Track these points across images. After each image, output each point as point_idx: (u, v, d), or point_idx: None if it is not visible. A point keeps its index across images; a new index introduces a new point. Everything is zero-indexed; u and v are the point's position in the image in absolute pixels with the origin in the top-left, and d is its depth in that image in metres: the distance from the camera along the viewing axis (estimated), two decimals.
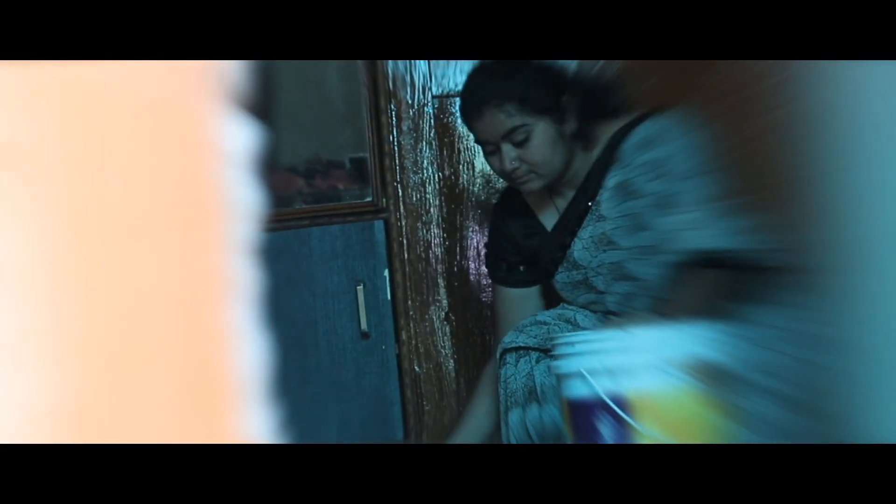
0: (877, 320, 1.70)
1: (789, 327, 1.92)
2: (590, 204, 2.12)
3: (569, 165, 2.11)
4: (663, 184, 1.98)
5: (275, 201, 2.81)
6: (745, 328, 1.91)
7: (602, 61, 2.22)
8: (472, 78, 2.17)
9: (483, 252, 2.47)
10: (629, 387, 1.63)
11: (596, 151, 2.13)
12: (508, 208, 2.33)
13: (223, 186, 0.40)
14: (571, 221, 2.15)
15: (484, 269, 2.93)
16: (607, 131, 2.13)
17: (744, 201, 1.97)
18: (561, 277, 2.19)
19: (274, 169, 2.84)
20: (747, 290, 1.97)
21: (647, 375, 1.63)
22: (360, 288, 2.64)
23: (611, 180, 2.08)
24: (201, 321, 0.40)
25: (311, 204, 2.78)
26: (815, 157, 1.79)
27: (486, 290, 2.92)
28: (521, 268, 2.30)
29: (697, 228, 1.93)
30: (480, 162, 2.95)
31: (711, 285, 1.92)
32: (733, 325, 1.86)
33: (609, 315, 2.12)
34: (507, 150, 2.06)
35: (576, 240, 2.14)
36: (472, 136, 2.95)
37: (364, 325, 2.65)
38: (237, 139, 0.41)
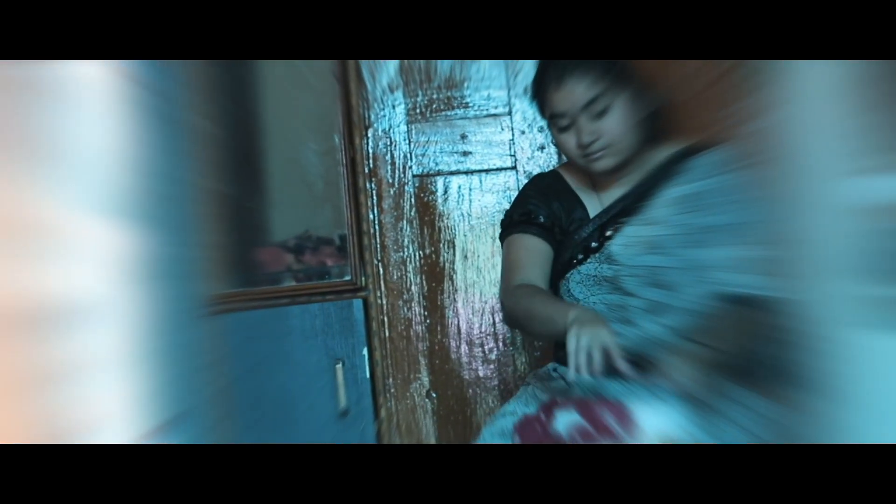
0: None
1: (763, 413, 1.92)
2: (642, 204, 2.07)
3: (636, 152, 2.06)
4: (736, 213, 1.94)
5: (264, 277, 2.84)
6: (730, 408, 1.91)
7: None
8: (542, 77, 2.10)
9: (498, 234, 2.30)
10: None
11: (660, 157, 2.09)
12: (548, 189, 2.22)
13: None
14: (615, 217, 2.10)
15: (465, 347, 2.96)
16: (674, 146, 2.10)
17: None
18: (586, 269, 2.10)
19: (264, 245, 2.87)
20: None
21: None
22: (339, 366, 2.65)
23: (678, 190, 2.03)
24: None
25: (301, 280, 2.81)
26: None
27: (468, 367, 2.94)
28: (542, 218, 2.18)
29: (742, 270, 1.90)
30: (461, 240, 2.99)
31: (744, 324, 1.88)
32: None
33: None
34: (585, 121, 2.02)
35: (618, 236, 2.08)
36: (450, 215, 3.00)
37: (343, 403, 2.66)
38: None
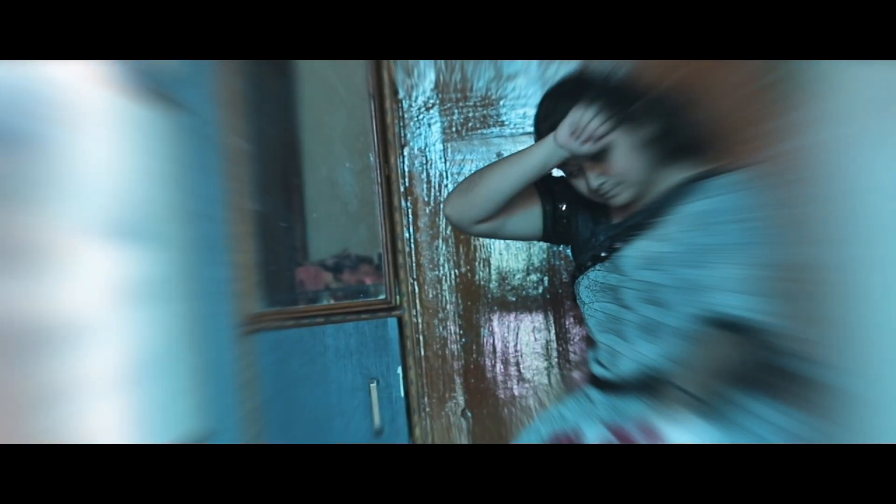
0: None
1: (781, 426, 1.91)
2: (654, 220, 2.06)
3: (651, 174, 2.07)
4: (739, 229, 1.94)
5: (303, 296, 2.86)
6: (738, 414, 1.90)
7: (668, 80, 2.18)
8: (542, 108, 2.12)
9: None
10: None
11: (676, 176, 2.08)
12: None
13: None
14: (627, 231, 2.09)
15: (501, 366, 2.95)
16: (685, 168, 2.08)
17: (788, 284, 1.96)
18: (594, 275, 2.11)
19: (302, 264, 2.88)
20: (756, 372, 1.95)
21: None
22: (373, 385, 2.65)
23: (692, 207, 2.02)
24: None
25: (340, 299, 2.83)
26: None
27: (503, 386, 2.93)
28: (563, 206, 2.22)
29: (737, 291, 1.90)
30: (496, 259, 2.98)
31: (728, 351, 1.89)
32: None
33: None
34: (590, 166, 2.03)
35: (628, 248, 2.07)
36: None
37: (377, 422, 2.65)
38: None
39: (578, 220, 2.22)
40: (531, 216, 2.22)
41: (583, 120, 1.98)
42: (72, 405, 1.40)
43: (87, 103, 1.37)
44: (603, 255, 2.11)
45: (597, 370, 2.13)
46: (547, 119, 2.06)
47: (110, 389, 1.55)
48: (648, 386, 1.95)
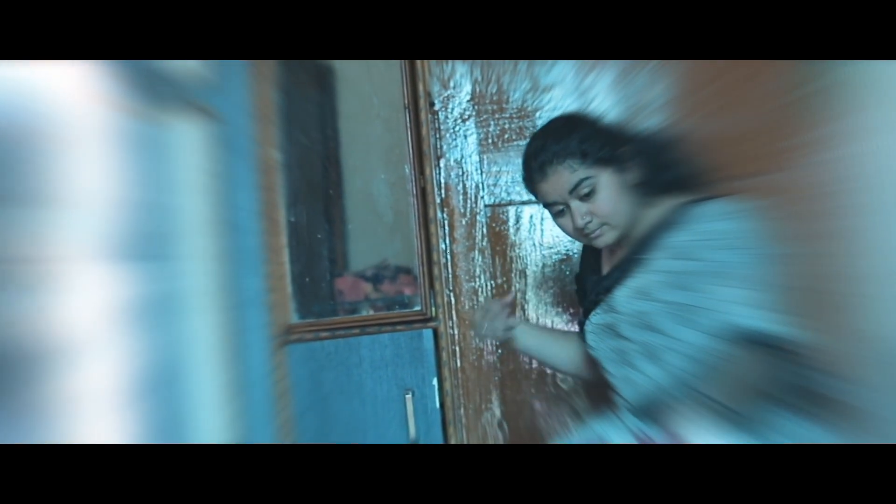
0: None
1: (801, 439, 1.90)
2: (641, 257, 2.10)
3: (636, 216, 2.13)
4: (726, 255, 1.94)
5: (343, 307, 2.86)
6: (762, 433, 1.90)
7: (659, 120, 2.21)
8: (531, 145, 2.18)
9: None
10: None
11: (660, 211, 2.12)
12: (589, 248, 2.38)
13: None
14: (624, 271, 2.15)
15: (536, 376, 2.94)
16: (677, 199, 2.11)
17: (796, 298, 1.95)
18: (596, 318, 2.19)
19: (341, 275, 2.89)
20: (779, 387, 1.94)
21: None
22: (408, 396, 2.65)
23: (670, 239, 2.04)
24: None
25: (379, 310, 2.83)
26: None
27: (538, 396, 2.92)
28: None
29: (749, 306, 1.90)
30: (532, 270, 2.97)
31: (752, 366, 1.89)
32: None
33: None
34: (576, 206, 2.09)
35: (622, 287, 2.13)
36: (522, 245, 2.99)
37: (413, 433, 2.65)
38: None
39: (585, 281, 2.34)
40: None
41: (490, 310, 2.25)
42: (79, 419, 1.41)
43: (84, 120, 1.38)
44: (602, 297, 2.19)
45: (620, 403, 2.16)
46: (536, 157, 2.13)
47: (118, 404, 1.56)
48: (669, 407, 1.95)
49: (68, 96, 1.40)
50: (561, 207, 2.12)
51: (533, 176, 2.14)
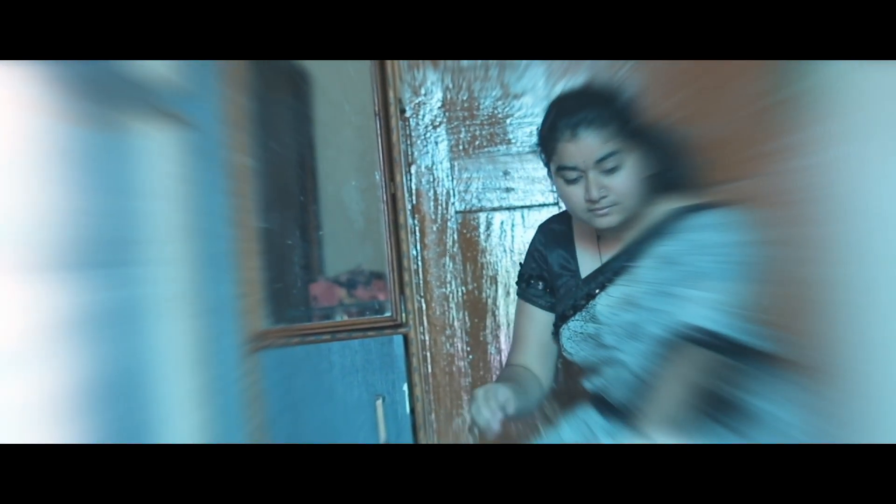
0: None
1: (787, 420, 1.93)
2: (629, 265, 2.06)
3: (643, 205, 2.06)
4: (708, 263, 1.92)
5: (317, 312, 2.87)
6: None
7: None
8: (568, 100, 2.07)
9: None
10: None
11: (652, 216, 2.09)
12: (554, 237, 2.26)
13: None
14: (606, 276, 2.10)
15: None
16: (670, 203, 2.09)
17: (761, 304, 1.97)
18: (574, 325, 2.12)
19: (315, 281, 2.89)
20: (733, 379, 1.96)
21: None
22: (379, 402, 2.66)
23: (661, 248, 2.01)
24: None
25: (353, 315, 2.84)
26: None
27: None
28: (541, 285, 2.24)
29: (703, 307, 1.89)
30: (503, 276, 2.99)
31: (696, 364, 1.89)
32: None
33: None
34: (595, 176, 1.99)
35: (602, 294, 2.08)
36: (493, 251, 3.00)
37: (383, 438, 2.66)
38: None
39: (555, 280, 2.23)
40: (544, 329, 2.27)
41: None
42: (39, 423, 1.41)
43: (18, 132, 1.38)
44: (581, 303, 2.13)
45: (590, 388, 2.15)
46: (573, 115, 2.01)
47: (83, 408, 1.56)
48: (638, 404, 1.94)
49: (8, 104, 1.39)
50: (576, 175, 2.01)
51: (560, 134, 2.01)
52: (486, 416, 1.92)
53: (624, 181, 2.00)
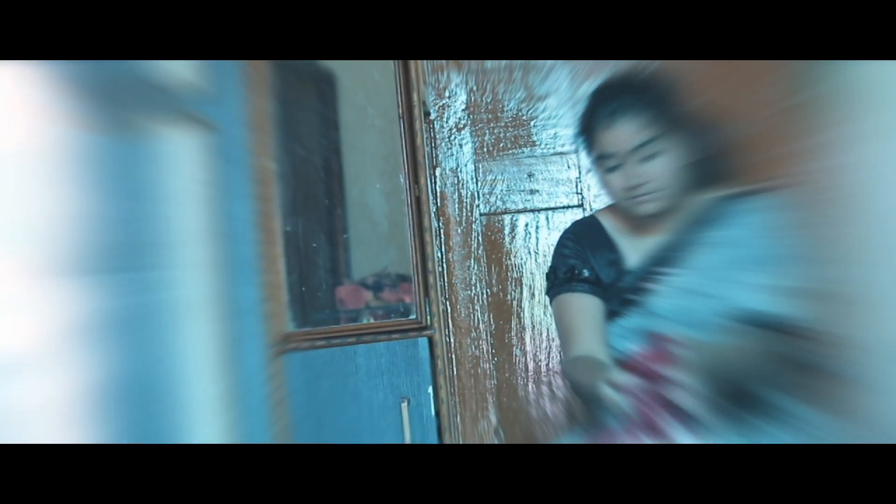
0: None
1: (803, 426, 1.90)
2: (679, 254, 2.05)
3: (683, 196, 2.06)
4: (766, 246, 1.92)
5: (344, 315, 2.87)
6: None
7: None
8: (605, 90, 2.09)
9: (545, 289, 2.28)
10: None
11: (697, 206, 2.08)
12: (588, 235, 2.21)
13: None
14: (657, 266, 2.08)
15: (533, 385, 2.95)
16: (713, 192, 2.08)
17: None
18: (629, 323, 2.09)
19: (341, 284, 2.90)
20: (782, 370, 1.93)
21: None
22: (404, 404, 2.66)
23: (715, 233, 2.02)
24: None
25: (380, 318, 2.84)
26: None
27: (536, 405, 2.93)
28: (586, 273, 2.15)
29: (765, 292, 1.87)
30: (528, 278, 2.98)
31: (747, 348, 1.87)
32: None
33: None
34: (633, 164, 2.00)
35: (657, 287, 2.06)
36: (518, 253, 3.00)
37: (409, 441, 2.66)
38: None
39: (597, 269, 2.17)
40: (599, 317, 2.14)
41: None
42: (59, 424, 1.42)
43: (30, 140, 1.39)
44: (633, 297, 2.09)
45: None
46: (610, 103, 2.03)
47: (107, 412, 1.57)
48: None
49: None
50: (614, 164, 2.03)
51: (597, 123, 2.04)
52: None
53: (663, 168, 2.00)
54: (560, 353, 2.42)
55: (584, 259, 2.17)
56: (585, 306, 2.13)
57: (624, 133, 2.00)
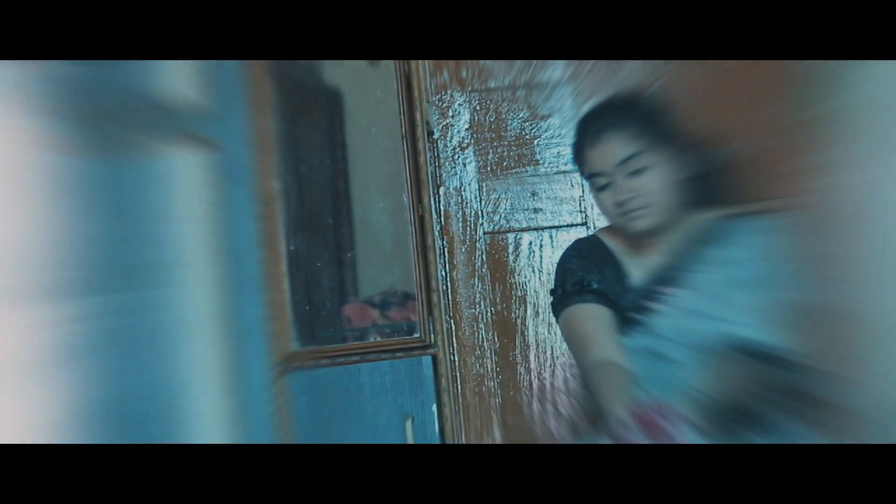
0: None
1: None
2: (681, 273, 2.05)
3: (677, 215, 2.05)
4: (766, 267, 1.93)
5: (350, 334, 2.87)
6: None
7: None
8: (590, 112, 2.12)
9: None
10: None
11: (697, 224, 2.08)
12: (593, 251, 2.20)
13: None
14: (659, 285, 2.08)
15: (537, 403, 2.95)
16: (712, 212, 2.08)
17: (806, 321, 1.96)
18: (633, 342, 2.06)
19: (348, 302, 2.90)
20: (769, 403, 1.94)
21: None
22: (408, 422, 2.66)
23: (716, 252, 2.02)
24: None
25: (386, 336, 2.84)
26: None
27: (540, 422, 2.92)
28: (595, 284, 2.12)
29: (759, 315, 1.88)
30: (532, 297, 2.99)
31: (742, 377, 1.88)
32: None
33: None
34: (622, 179, 2.01)
35: (660, 307, 2.05)
36: (521, 271, 3.00)
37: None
38: None
39: (605, 282, 2.16)
40: (611, 325, 2.09)
41: None
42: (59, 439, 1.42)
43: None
44: (636, 317, 2.08)
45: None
46: (594, 122, 2.06)
47: (112, 430, 1.57)
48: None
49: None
50: (605, 181, 2.04)
51: (584, 141, 2.06)
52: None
53: (652, 182, 2.01)
54: (572, 363, 2.41)
55: (590, 272, 2.16)
56: (598, 315, 2.08)
57: (609, 149, 2.02)
